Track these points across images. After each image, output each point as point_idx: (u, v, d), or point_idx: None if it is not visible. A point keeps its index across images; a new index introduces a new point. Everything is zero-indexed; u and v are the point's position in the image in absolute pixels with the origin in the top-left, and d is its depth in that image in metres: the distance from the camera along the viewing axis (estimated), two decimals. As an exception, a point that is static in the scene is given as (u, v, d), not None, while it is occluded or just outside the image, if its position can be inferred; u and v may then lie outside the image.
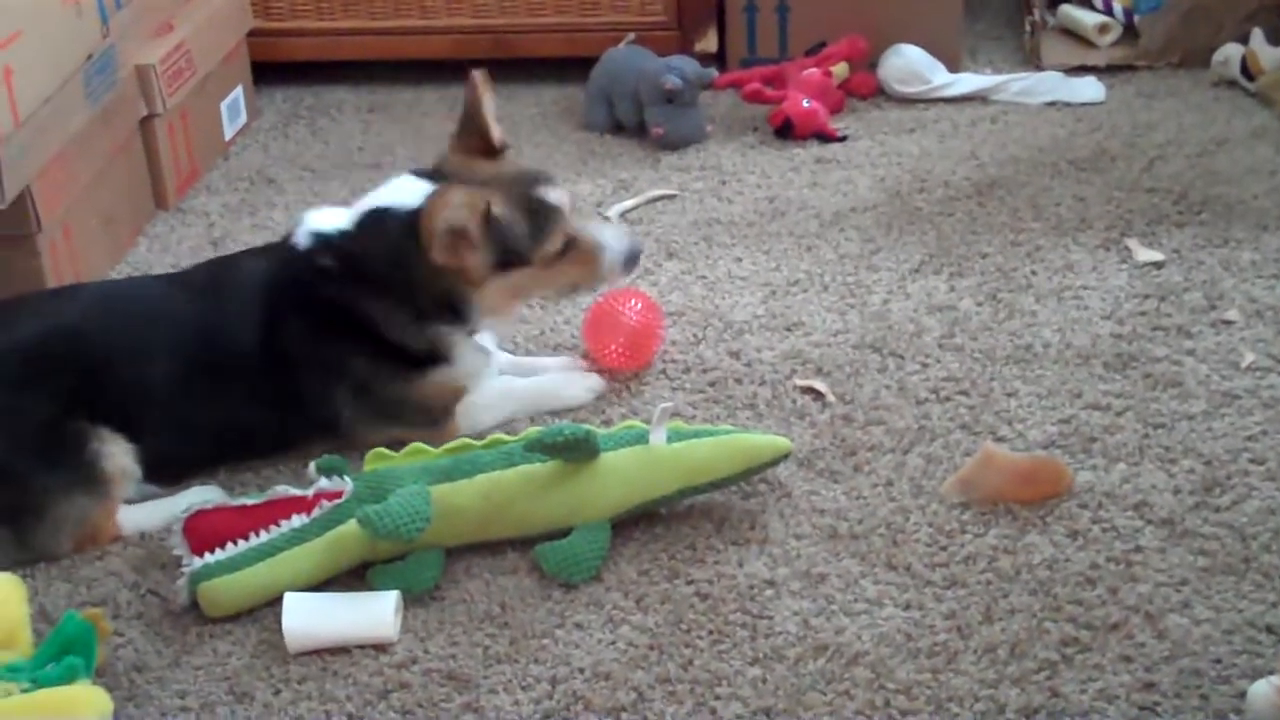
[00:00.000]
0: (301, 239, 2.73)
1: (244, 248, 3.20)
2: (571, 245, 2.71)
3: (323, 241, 2.71)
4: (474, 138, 2.75)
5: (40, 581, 2.49)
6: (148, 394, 2.63)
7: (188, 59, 3.72)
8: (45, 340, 2.61)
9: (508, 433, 2.63)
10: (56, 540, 2.54)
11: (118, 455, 2.58)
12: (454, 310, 2.70)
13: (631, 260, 2.77)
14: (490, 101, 2.75)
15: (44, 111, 3.11)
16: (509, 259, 2.65)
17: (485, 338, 2.83)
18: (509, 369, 2.93)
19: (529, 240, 2.66)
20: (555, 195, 2.71)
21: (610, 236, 2.77)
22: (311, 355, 2.69)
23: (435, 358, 2.73)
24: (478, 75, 2.75)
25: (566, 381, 2.88)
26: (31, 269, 3.12)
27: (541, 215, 2.68)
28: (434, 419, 2.75)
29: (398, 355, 2.71)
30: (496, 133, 2.75)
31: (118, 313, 2.72)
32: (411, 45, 4.30)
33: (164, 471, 2.66)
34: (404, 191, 2.68)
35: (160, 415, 2.63)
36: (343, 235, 2.70)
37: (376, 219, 2.69)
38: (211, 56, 3.85)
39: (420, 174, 2.73)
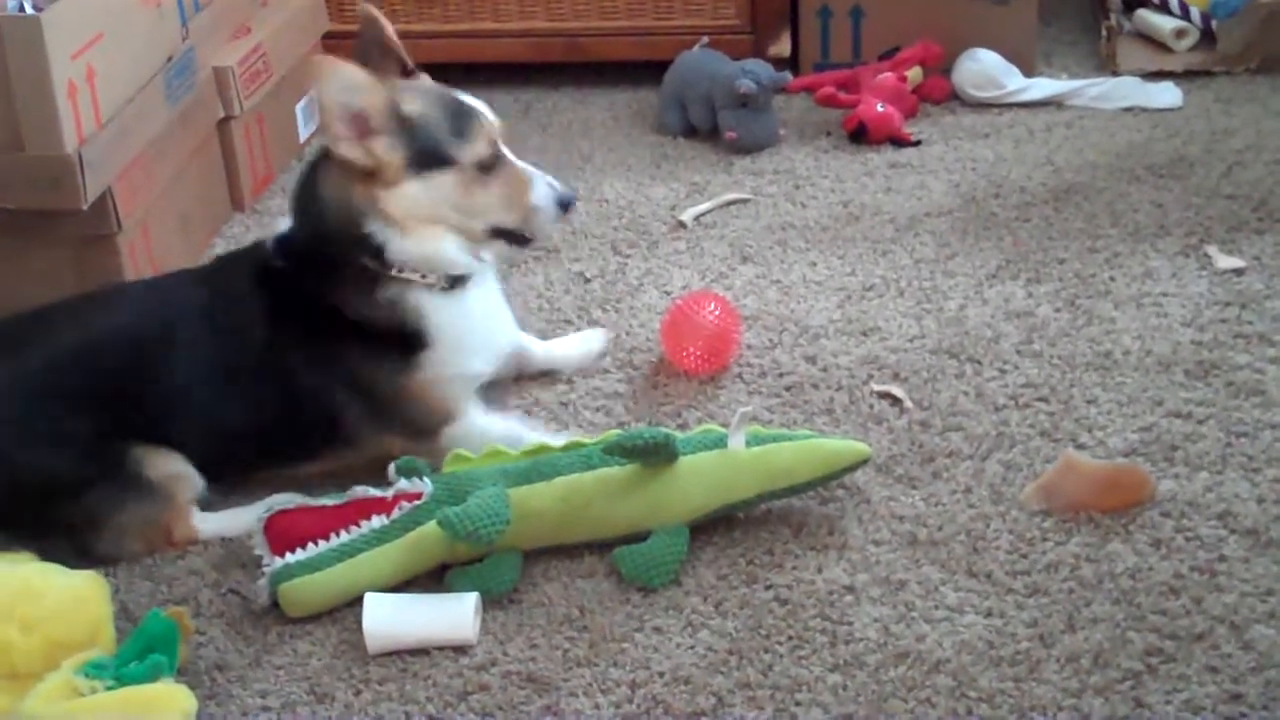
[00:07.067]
0: (267, 245, 2.70)
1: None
2: (501, 163, 2.62)
3: (276, 243, 2.68)
4: (386, 61, 2.63)
5: (122, 580, 2.51)
6: (176, 407, 2.59)
7: (265, 61, 3.74)
8: (79, 353, 2.57)
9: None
10: (119, 548, 2.54)
11: (162, 462, 2.56)
12: (371, 240, 2.57)
13: (564, 202, 2.64)
14: (389, 27, 2.66)
15: (125, 113, 3.14)
16: (428, 157, 2.55)
17: (498, 304, 2.78)
18: (540, 357, 2.94)
19: (451, 136, 2.57)
20: (477, 102, 2.65)
21: (540, 175, 2.66)
22: (306, 358, 2.61)
23: (412, 337, 2.62)
24: (370, 9, 2.66)
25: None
26: (111, 268, 3.14)
27: (462, 114, 2.60)
28: (424, 429, 2.65)
29: (379, 340, 2.61)
30: (405, 54, 2.66)
31: (146, 319, 2.66)
32: (485, 48, 4.32)
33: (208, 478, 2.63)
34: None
35: (189, 426, 2.59)
36: (289, 231, 2.67)
37: (301, 196, 2.66)
38: (288, 59, 3.87)
39: None
